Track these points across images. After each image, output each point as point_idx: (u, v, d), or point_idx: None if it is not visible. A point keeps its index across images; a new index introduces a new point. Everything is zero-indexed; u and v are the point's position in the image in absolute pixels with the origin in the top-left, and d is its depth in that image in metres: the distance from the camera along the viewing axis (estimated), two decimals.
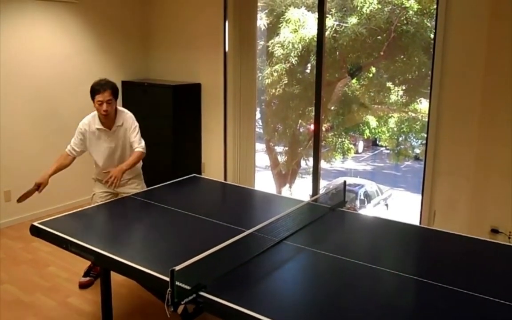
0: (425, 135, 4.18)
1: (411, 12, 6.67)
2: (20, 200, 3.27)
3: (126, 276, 2.46)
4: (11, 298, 3.48)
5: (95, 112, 3.49)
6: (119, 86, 3.61)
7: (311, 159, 5.21)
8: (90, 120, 3.50)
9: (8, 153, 4.76)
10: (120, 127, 3.50)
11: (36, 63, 4.91)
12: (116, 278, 2.98)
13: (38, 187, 3.32)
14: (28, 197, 3.31)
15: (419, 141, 7.83)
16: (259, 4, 5.52)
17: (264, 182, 8.33)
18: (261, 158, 8.46)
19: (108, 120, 3.46)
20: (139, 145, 3.49)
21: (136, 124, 3.56)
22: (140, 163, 3.74)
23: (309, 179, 6.03)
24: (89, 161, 5.66)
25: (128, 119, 3.54)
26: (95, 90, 3.39)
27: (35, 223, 2.81)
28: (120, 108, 3.56)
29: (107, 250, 2.45)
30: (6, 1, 4.54)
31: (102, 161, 3.56)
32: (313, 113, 4.90)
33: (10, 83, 4.70)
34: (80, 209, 3.19)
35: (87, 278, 3.67)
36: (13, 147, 4.80)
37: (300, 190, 8.37)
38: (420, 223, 4.20)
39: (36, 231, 2.78)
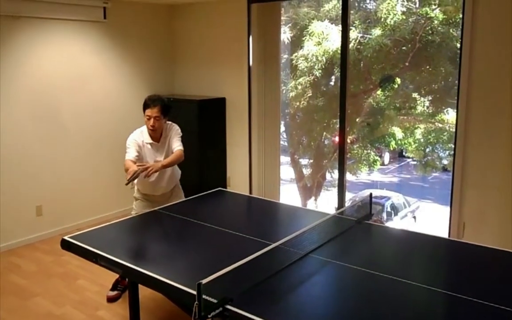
0: (453, 146, 4.11)
1: (436, 22, 6.60)
2: (128, 183, 3.21)
3: (154, 289, 2.49)
4: (43, 310, 3.57)
5: (142, 128, 3.58)
6: None
7: (336, 172, 5.19)
8: (140, 135, 3.55)
9: (40, 169, 4.89)
10: (166, 138, 3.61)
11: (66, 83, 5.04)
12: (144, 291, 3.02)
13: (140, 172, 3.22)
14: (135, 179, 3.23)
15: (447, 152, 7.70)
16: (282, 18, 5.57)
17: (289, 195, 8.31)
18: (286, 171, 8.46)
19: (156, 134, 3.56)
20: (179, 147, 3.55)
21: (180, 133, 3.65)
22: (179, 173, 3.83)
23: (334, 191, 5.99)
24: (116, 176, 5.76)
25: (173, 128, 3.64)
26: (146, 104, 3.49)
27: (66, 237, 2.87)
28: (169, 122, 3.66)
29: (135, 264, 2.49)
30: (39, 22, 4.70)
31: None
32: (338, 125, 4.88)
33: (44, 102, 4.84)
34: (108, 223, 3.25)
35: (115, 292, 3.72)
36: (45, 164, 4.93)
37: (326, 203, 8.31)
38: (449, 236, 4.11)
39: (66, 245, 2.84)
